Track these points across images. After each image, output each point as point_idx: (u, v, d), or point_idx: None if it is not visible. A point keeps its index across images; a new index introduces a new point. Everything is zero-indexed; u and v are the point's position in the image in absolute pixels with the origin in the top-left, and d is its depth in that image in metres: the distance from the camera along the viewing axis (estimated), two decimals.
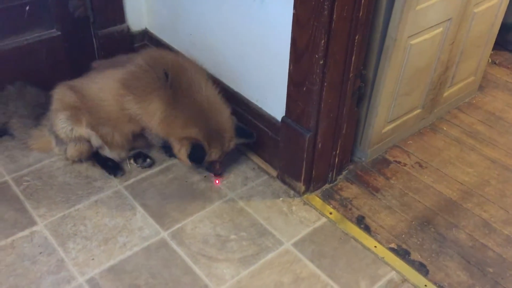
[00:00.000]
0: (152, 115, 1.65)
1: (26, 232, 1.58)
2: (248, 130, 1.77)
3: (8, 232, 1.57)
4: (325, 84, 1.51)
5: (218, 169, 1.75)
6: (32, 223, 1.61)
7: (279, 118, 1.71)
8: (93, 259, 1.51)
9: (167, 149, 1.83)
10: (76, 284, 1.44)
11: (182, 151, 1.67)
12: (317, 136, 1.62)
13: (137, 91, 1.64)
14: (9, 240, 1.55)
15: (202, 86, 1.67)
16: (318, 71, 1.48)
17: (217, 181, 1.78)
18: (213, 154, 1.69)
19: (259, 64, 1.71)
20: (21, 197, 1.69)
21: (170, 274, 1.48)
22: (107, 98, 1.68)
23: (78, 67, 2.03)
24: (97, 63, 1.84)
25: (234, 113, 1.86)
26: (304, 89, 1.54)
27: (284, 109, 1.67)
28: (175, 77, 1.64)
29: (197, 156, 1.66)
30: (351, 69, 1.55)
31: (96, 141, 1.75)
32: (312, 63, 1.48)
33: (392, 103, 1.79)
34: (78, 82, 1.75)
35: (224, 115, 1.70)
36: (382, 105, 1.75)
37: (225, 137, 1.69)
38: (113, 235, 1.59)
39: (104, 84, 1.69)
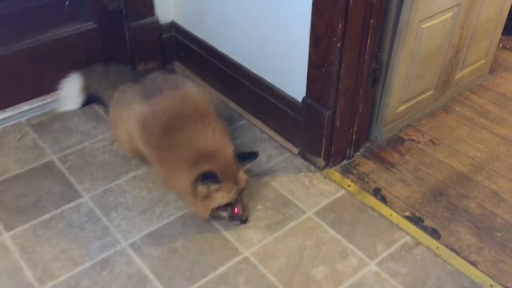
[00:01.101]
0: (155, 170, 1.73)
1: (73, 203, 1.75)
2: (247, 151, 1.79)
3: (57, 203, 1.75)
4: (343, 65, 1.65)
5: (242, 212, 1.63)
6: (78, 196, 1.78)
7: (299, 99, 1.85)
8: (134, 226, 1.68)
9: None
10: (121, 247, 1.61)
11: (197, 199, 1.57)
12: (336, 114, 1.75)
13: (145, 136, 1.68)
14: (58, 210, 1.72)
15: (207, 135, 1.60)
16: (336, 53, 1.62)
17: None
18: (228, 187, 1.56)
19: (281, 50, 1.85)
20: (66, 173, 1.86)
21: (203, 239, 1.64)
22: (129, 127, 1.76)
23: (112, 56, 2.21)
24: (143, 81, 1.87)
25: (258, 97, 2.02)
26: (323, 70, 1.68)
27: (305, 91, 1.81)
28: (175, 134, 1.61)
29: (209, 176, 1.51)
30: (367, 52, 1.69)
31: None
32: (330, 46, 1.62)
33: (405, 84, 1.91)
34: (115, 104, 1.87)
35: (228, 152, 1.61)
36: (396, 86, 1.88)
37: (234, 169, 1.58)
38: (151, 206, 1.75)
39: (127, 117, 1.77)
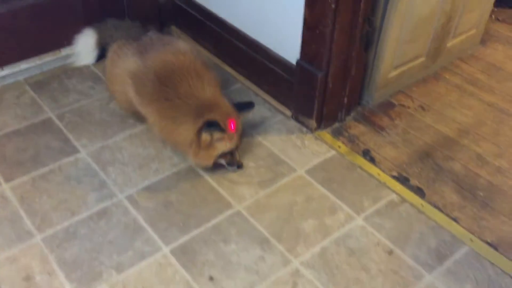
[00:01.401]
0: (153, 124, 1.73)
1: (71, 158, 1.80)
2: (244, 101, 1.82)
3: (56, 157, 1.80)
4: (336, 27, 1.69)
5: (239, 159, 1.75)
6: (76, 151, 1.83)
7: (294, 62, 1.89)
8: (130, 180, 1.73)
9: None
10: (117, 200, 1.67)
11: (201, 149, 1.64)
12: (328, 76, 1.80)
13: (141, 93, 1.72)
14: (57, 164, 1.77)
15: (205, 90, 1.67)
16: (330, 15, 1.66)
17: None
18: (230, 138, 1.65)
19: (277, 12, 1.88)
20: (64, 130, 1.91)
21: (197, 193, 1.70)
22: (118, 78, 1.81)
23: (108, 15, 2.21)
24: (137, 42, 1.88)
25: (253, 61, 2.06)
26: (317, 32, 1.72)
27: (299, 53, 1.85)
28: (172, 84, 1.66)
29: (213, 125, 1.59)
30: (360, 14, 1.72)
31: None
32: (325, 7, 1.65)
33: (397, 49, 1.95)
34: (110, 59, 1.89)
35: (224, 103, 1.69)
36: (388, 51, 1.92)
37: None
38: (147, 162, 1.80)
39: (121, 66, 1.80)
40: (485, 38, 2.44)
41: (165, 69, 1.69)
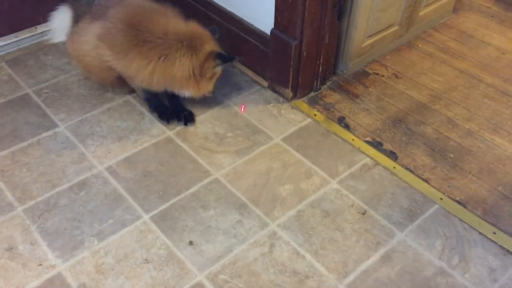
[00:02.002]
0: (137, 72, 1.71)
1: (50, 132, 1.82)
2: (228, 54, 1.82)
3: (34, 132, 1.81)
4: None
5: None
6: (54, 125, 1.84)
7: (268, 32, 1.91)
8: (109, 152, 1.76)
9: (150, 103, 1.90)
10: (97, 171, 1.69)
11: (204, 79, 1.75)
12: (302, 44, 1.83)
13: (115, 47, 1.71)
14: (36, 139, 1.79)
15: (177, 22, 1.72)
16: None
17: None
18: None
19: None
20: (42, 105, 1.92)
21: (176, 162, 1.73)
22: (90, 48, 1.79)
23: None
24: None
25: (229, 32, 2.07)
26: (290, 0, 1.74)
27: (273, 23, 1.88)
28: (147, 29, 1.67)
29: (224, 55, 1.75)
30: None
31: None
32: None
33: (370, 18, 1.99)
34: (74, 32, 1.89)
35: (206, 33, 1.76)
36: (361, 19, 1.95)
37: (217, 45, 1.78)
38: (125, 134, 1.83)
39: (87, 38, 1.80)
40: (458, 7, 2.48)
41: (131, 17, 1.70)
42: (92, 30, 1.78)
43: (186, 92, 1.78)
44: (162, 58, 1.68)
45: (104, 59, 1.77)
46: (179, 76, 1.71)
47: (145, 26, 1.68)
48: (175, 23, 1.72)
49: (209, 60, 1.73)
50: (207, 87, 1.80)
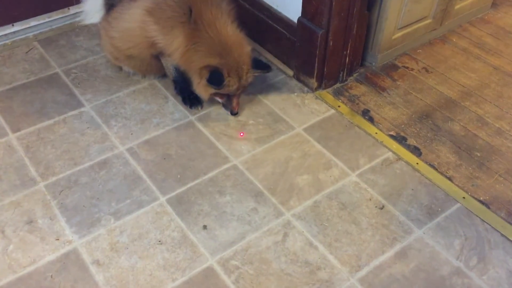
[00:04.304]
0: (175, 49, 1.72)
1: (76, 111, 1.85)
2: (264, 62, 1.83)
3: (61, 111, 1.85)
4: None
5: (235, 106, 1.79)
6: (80, 105, 1.88)
7: (295, 20, 1.89)
8: (131, 134, 1.78)
9: (177, 85, 1.91)
10: (118, 151, 1.72)
11: (201, 82, 1.73)
12: (329, 34, 1.80)
13: (162, 22, 1.71)
14: (62, 117, 1.83)
15: (225, 22, 1.71)
16: None
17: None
18: (231, 83, 1.71)
19: None
20: (70, 85, 1.96)
21: (196, 147, 1.74)
22: (133, 26, 1.78)
23: None
24: None
25: (257, 20, 2.06)
26: None
27: (300, 11, 1.85)
28: (198, 13, 1.68)
29: (215, 78, 1.69)
30: None
31: (127, 69, 1.99)
32: None
33: (402, 9, 1.93)
34: (112, 16, 1.88)
35: (244, 50, 1.74)
36: (392, 10, 1.90)
37: (243, 68, 1.72)
38: (148, 117, 1.84)
39: (131, 14, 1.80)
40: (497, 2, 2.39)
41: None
42: (137, 7, 1.77)
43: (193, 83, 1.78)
44: (194, 45, 1.68)
45: (148, 34, 1.76)
46: (192, 66, 1.72)
47: (197, 8, 1.67)
48: (224, 21, 1.71)
49: (205, 73, 1.70)
50: (201, 92, 1.77)
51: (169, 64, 1.86)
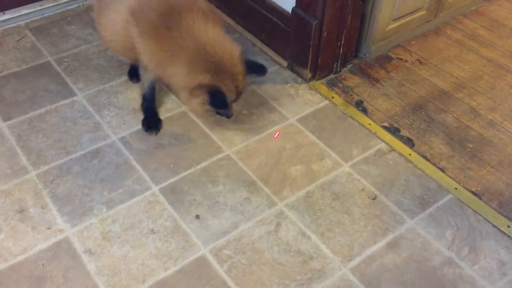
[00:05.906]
0: (148, 55, 1.57)
1: (68, 100, 1.84)
2: (258, 63, 1.74)
3: (53, 100, 1.83)
4: None
5: (232, 112, 1.66)
6: (72, 94, 1.86)
7: (290, 10, 1.88)
8: (124, 123, 1.77)
9: (144, 102, 1.77)
10: (110, 141, 1.71)
11: (195, 101, 1.56)
12: (323, 24, 1.79)
13: (141, 25, 1.55)
14: (54, 106, 1.81)
15: (207, 28, 1.53)
16: None
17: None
18: (231, 97, 1.58)
19: None
20: (62, 74, 1.94)
21: (189, 137, 1.73)
22: (117, 22, 1.63)
23: None
24: None
25: (251, 10, 2.05)
26: None
27: (294, 1, 1.84)
28: (177, 18, 1.52)
29: (218, 100, 1.54)
30: None
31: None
32: None
33: (396, 0, 1.93)
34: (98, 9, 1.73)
35: (235, 56, 1.55)
36: (387, 1, 1.89)
37: (239, 78, 1.57)
38: None
39: (118, 10, 1.65)
40: None
41: (164, 5, 1.55)
42: (124, 2, 1.62)
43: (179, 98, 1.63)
44: (168, 53, 1.53)
45: (129, 34, 1.63)
46: (173, 80, 1.58)
47: (177, 13, 1.52)
48: (206, 27, 1.53)
49: (201, 94, 1.54)
50: (194, 109, 1.66)
51: (145, 77, 1.72)
